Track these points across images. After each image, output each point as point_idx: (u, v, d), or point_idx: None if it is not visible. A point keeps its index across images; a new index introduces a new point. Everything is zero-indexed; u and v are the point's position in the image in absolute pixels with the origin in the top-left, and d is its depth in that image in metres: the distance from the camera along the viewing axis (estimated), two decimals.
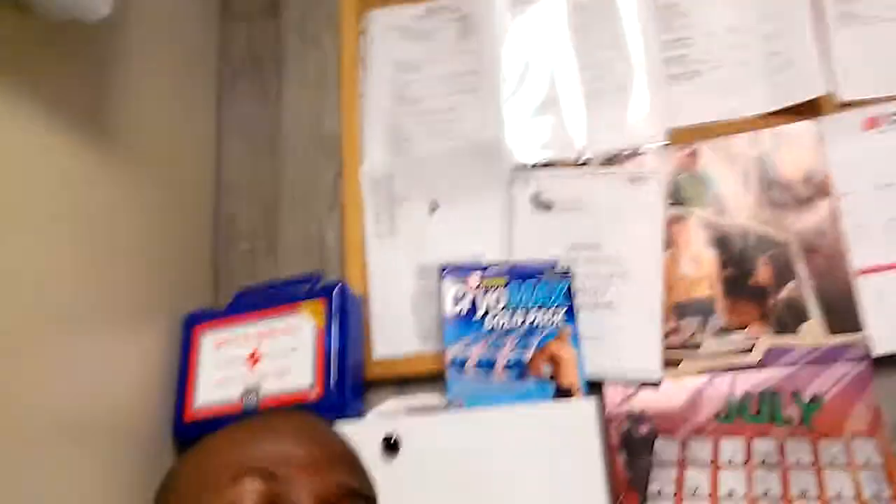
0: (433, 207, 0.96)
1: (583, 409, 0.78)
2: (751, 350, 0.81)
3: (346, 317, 0.86)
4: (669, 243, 0.87)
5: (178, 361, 0.87)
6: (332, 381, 0.82)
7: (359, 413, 0.85)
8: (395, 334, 0.91)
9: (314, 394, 0.82)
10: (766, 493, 0.76)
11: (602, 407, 0.82)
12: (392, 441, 0.76)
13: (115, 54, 0.83)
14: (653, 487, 0.79)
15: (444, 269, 0.89)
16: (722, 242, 0.86)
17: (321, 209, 1.00)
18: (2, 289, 0.61)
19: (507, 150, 0.95)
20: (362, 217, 0.97)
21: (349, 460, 0.54)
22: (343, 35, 1.06)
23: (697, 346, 0.83)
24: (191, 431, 0.83)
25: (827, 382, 0.79)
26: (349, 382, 0.84)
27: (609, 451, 0.81)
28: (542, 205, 0.92)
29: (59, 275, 0.69)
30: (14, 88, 0.65)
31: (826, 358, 0.79)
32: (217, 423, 0.81)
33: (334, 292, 0.87)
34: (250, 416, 0.81)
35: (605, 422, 0.82)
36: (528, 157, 0.94)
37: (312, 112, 1.05)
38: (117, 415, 0.76)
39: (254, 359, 0.85)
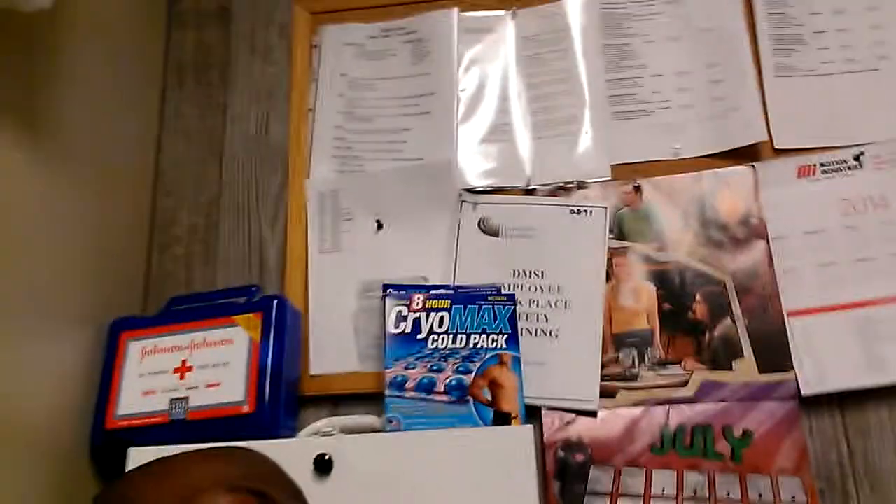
0: (379, 226, 0.95)
1: (521, 435, 0.77)
2: (685, 384, 0.83)
3: (283, 332, 0.84)
4: (611, 275, 0.88)
5: (101, 368, 0.83)
6: (265, 398, 0.79)
7: (292, 430, 0.82)
8: (333, 351, 0.89)
9: (245, 409, 0.79)
10: None
11: (539, 433, 0.82)
12: (324, 460, 0.74)
13: (52, 48, 0.80)
14: None
15: (387, 288, 0.88)
16: (661, 277, 0.88)
17: (263, 220, 0.97)
18: None
19: (456, 173, 0.95)
20: (305, 231, 0.95)
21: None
22: (295, 47, 1.05)
23: (635, 378, 0.84)
24: (111, 440, 0.78)
25: (757, 419, 0.81)
26: (283, 399, 0.81)
27: (544, 479, 0.80)
28: (489, 230, 0.93)
29: None
30: None
31: (757, 395, 0.82)
32: (140, 432, 0.78)
33: (272, 306, 0.84)
34: (178, 428, 0.78)
35: (542, 449, 0.81)
36: (476, 182, 0.95)
37: (259, 121, 1.03)
38: (32, 422, 0.72)
39: (183, 370, 0.82)
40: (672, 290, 0.87)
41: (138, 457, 0.74)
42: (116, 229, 0.92)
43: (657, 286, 0.88)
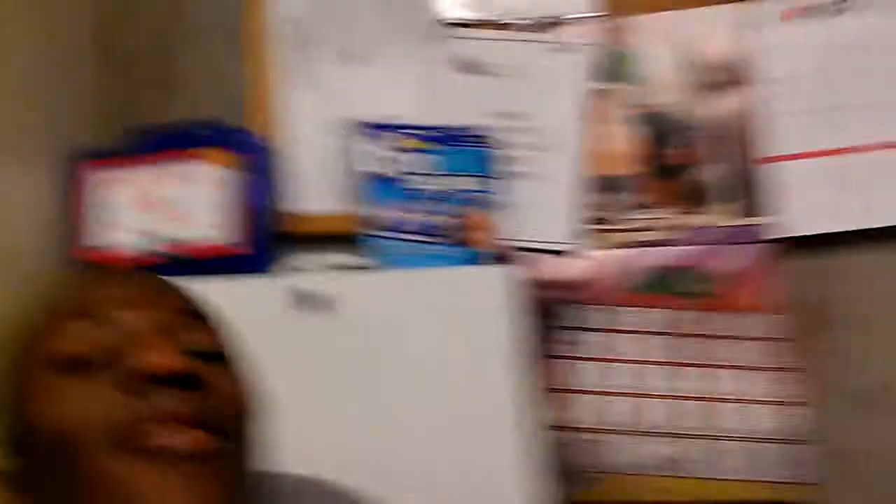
0: (348, 58, 0.89)
1: (496, 274, 0.78)
2: (663, 227, 0.84)
3: (253, 167, 0.80)
4: (592, 118, 0.86)
5: (64, 200, 0.78)
6: (240, 234, 0.78)
7: (269, 268, 0.81)
8: (308, 191, 0.86)
9: (220, 246, 0.77)
10: (665, 360, 0.81)
11: (515, 274, 0.83)
12: (304, 296, 0.73)
13: None
14: (567, 350, 0.82)
15: (360, 127, 0.84)
16: (643, 121, 0.87)
17: (225, 47, 0.90)
18: None
19: (427, 1, 0.88)
20: (268, 59, 0.89)
21: (177, 289, 0.49)
22: None
23: (612, 221, 0.85)
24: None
25: (733, 261, 0.83)
26: (258, 235, 0.79)
27: (519, 317, 0.82)
28: (465, 66, 0.88)
29: None
30: None
31: (733, 238, 0.83)
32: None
33: (241, 141, 0.80)
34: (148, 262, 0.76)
35: (518, 288, 0.83)
36: (452, 13, 0.89)
37: None
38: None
39: (149, 204, 0.78)
40: (654, 133, 0.86)
41: None
42: (62, 55, 0.83)
43: (639, 129, 0.86)
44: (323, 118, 0.88)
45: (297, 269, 0.79)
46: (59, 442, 0.39)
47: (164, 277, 0.50)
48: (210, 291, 0.72)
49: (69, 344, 0.41)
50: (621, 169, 0.86)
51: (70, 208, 0.78)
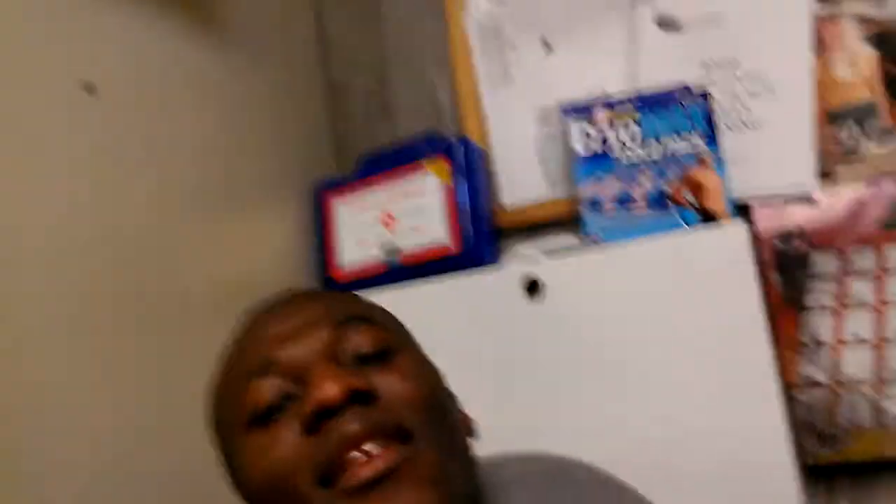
0: (546, 47, 0.90)
1: (731, 232, 0.73)
2: None
3: (470, 170, 0.85)
4: (820, 46, 0.78)
5: (314, 228, 0.90)
6: (466, 234, 0.82)
7: (495, 261, 0.85)
8: (521, 182, 0.89)
9: (451, 247, 0.82)
10: None
11: (752, 228, 0.78)
12: (534, 283, 0.76)
13: None
14: (811, 301, 0.75)
15: (566, 109, 0.84)
16: (881, 38, 0.76)
17: (430, 64, 0.97)
18: (135, 177, 0.65)
19: None
20: (473, 67, 0.93)
21: (330, 299, 0.49)
22: None
23: (858, 153, 0.75)
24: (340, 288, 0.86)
25: None
26: (482, 233, 0.84)
27: (762, 272, 0.77)
28: (668, 23, 0.85)
29: (183, 160, 0.72)
30: None
31: None
32: (363, 280, 0.85)
33: (457, 148, 0.85)
34: (395, 272, 0.84)
35: (756, 243, 0.77)
36: None
37: None
38: (262, 283, 0.79)
39: (387, 219, 0.86)
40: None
41: None
42: (298, 100, 0.96)
43: (878, 49, 0.76)
44: (531, 110, 0.90)
45: (522, 259, 0.82)
46: (273, 492, 0.41)
47: (315, 289, 0.52)
48: (442, 290, 0.78)
49: (252, 400, 0.43)
50: (862, 96, 0.76)
51: (319, 234, 0.89)
